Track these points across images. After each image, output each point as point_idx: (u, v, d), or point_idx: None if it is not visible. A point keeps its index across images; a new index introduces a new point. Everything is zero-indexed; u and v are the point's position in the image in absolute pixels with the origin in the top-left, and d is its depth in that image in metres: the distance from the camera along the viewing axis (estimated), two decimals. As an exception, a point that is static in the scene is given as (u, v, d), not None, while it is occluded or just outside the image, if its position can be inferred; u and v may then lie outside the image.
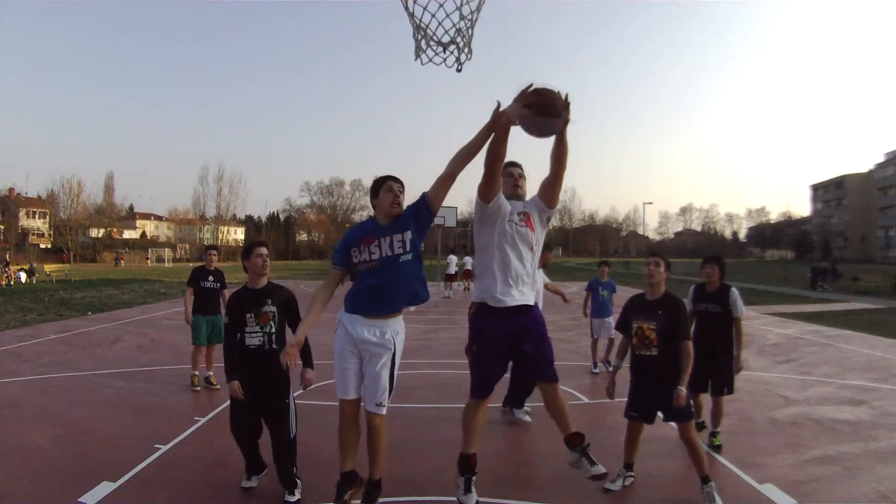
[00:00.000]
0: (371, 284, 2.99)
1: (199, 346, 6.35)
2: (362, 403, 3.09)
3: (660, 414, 3.58)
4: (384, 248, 2.98)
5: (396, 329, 3.06)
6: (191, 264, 8.89)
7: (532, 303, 3.31)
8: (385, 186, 3.06)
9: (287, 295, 3.63)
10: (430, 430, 4.71)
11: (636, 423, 3.64)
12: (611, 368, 3.68)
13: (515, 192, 3.44)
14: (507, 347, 3.23)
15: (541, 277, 5.30)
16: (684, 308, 3.59)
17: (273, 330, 3.50)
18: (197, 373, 6.35)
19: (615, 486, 3.57)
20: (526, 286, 3.26)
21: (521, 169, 3.54)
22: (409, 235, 3.00)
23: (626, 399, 3.70)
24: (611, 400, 3.74)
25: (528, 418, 5.05)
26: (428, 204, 3.05)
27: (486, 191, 3.19)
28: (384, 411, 3.04)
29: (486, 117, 3.03)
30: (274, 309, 3.51)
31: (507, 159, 3.33)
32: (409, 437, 4.47)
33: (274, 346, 3.49)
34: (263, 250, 3.61)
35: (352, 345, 3.04)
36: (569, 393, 5.85)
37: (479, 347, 3.28)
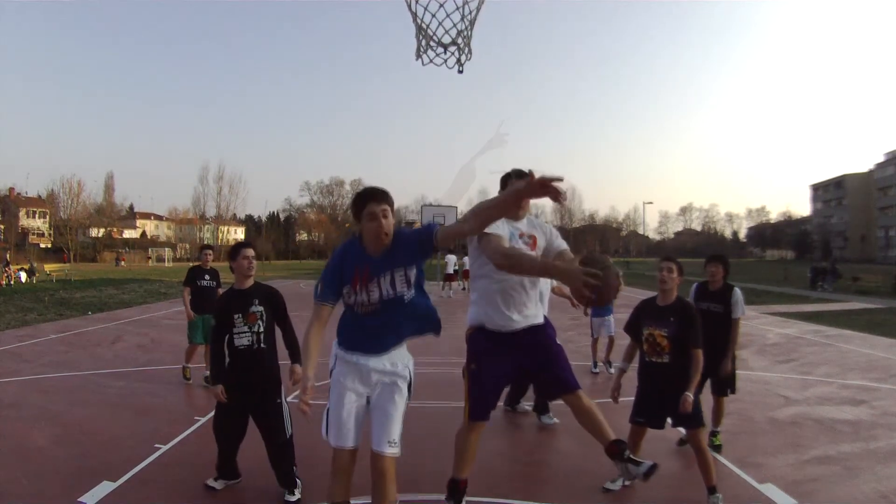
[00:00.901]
0: (371, 325, 2.53)
1: (195, 344, 6.43)
2: (373, 446, 2.56)
3: (668, 419, 3.53)
4: (384, 288, 2.48)
5: (406, 358, 2.66)
6: (191, 264, 8.97)
7: (540, 320, 3.03)
8: (366, 213, 2.44)
9: (273, 294, 3.67)
10: (430, 430, 4.70)
11: (640, 427, 3.60)
12: (612, 369, 3.65)
13: (518, 213, 3.04)
14: (511, 366, 3.00)
15: (547, 281, 5.25)
16: (696, 315, 3.51)
17: (261, 329, 3.53)
18: (189, 366, 6.51)
19: (615, 486, 3.57)
20: (529, 309, 2.99)
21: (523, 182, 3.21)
22: (412, 271, 2.52)
23: (626, 399, 3.69)
24: (615, 403, 3.69)
25: (555, 420, 4.96)
26: (435, 242, 2.48)
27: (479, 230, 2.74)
28: (398, 451, 2.54)
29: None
30: (261, 309, 3.55)
31: (514, 168, 3.11)
32: (409, 438, 4.46)
33: (262, 345, 3.53)
34: (250, 252, 3.64)
35: (355, 377, 2.57)
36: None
37: (478, 366, 3.00)
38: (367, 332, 2.54)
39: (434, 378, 6.51)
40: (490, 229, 2.77)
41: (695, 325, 3.44)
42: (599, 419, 2.89)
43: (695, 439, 3.38)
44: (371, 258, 2.49)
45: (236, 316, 3.50)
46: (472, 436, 3.05)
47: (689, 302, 3.62)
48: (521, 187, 2.26)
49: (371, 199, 2.45)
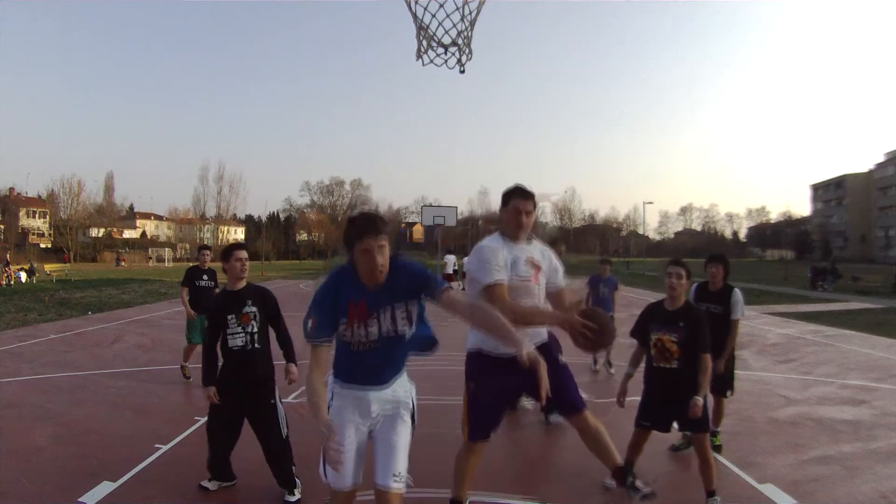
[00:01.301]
0: (369, 361, 2.31)
1: (194, 344, 6.47)
2: (378, 482, 2.31)
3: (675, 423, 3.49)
4: (384, 324, 2.25)
5: (407, 385, 2.46)
6: (191, 264, 8.95)
7: (543, 338, 2.91)
8: (361, 247, 2.15)
9: (265, 295, 3.68)
10: (429, 425, 4.71)
11: (645, 430, 3.56)
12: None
13: (518, 233, 2.83)
14: (512, 387, 2.88)
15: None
16: (705, 319, 3.48)
17: (255, 330, 3.54)
18: (188, 365, 6.59)
19: (616, 486, 3.56)
20: (531, 330, 2.82)
21: (533, 202, 2.84)
22: (414, 307, 2.30)
23: (631, 399, 3.64)
24: (621, 408, 3.62)
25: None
26: (436, 304, 2.28)
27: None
28: (404, 486, 2.30)
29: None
30: (255, 309, 3.56)
31: (517, 185, 2.90)
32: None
33: (257, 345, 3.54)
34: (243, 254, 3.64)
35: (355, 410, 2.34)
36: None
37: (477, 386, 2.85)
38: (364, 367, 2.33)
39: (435, 375, 6.50)
40: (489, 251, 2.71)
41: (704, 330, 3.40)
42: (605, 441, 2.81)
43: (700, 443, 3.35)
44: (368, 291, 2.23)
45: (230, 317, 3.51)
46: (471, 458, 2.94)
47: (698, 307, 3.57)
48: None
49: (366, 231, 2.14)
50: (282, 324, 3.70)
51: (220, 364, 3.57)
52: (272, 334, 3.69)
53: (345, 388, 2.36)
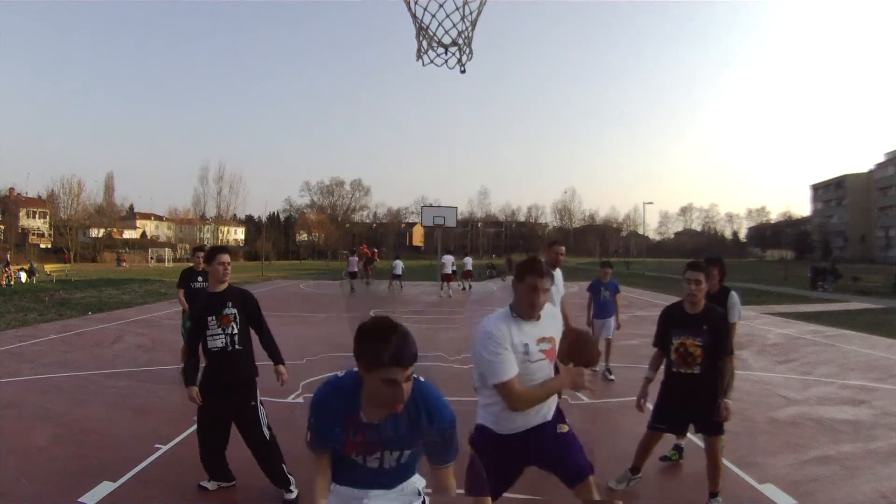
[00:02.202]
0: (370, 475, 1.97)
1: None
2: None
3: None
4: (387, 461, 1.91)
5: (416, 481, 2.08)
6: (192, 264, 8.92)
7: (552, 410, 2.72)
8: (384, 378, 1.67)
9: (246, 297, 3.67)
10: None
11: (658, 433, 3.54)
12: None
13: (532, 313, 2.58)
14: (517, 464, 2.74)
15: (559, 286, 4.85)
16: (727, 321, 3.42)
17: (235, 331, 3.53)
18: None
19: (620, 487, 3.56)
20: (544, 407, 2.65)
21: (545, 279, 2.56)
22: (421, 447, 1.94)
23: (643, 402, 3.60)
24: (640, 412, 3.60)
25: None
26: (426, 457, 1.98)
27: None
28: None
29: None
30: (235, 311, 3.56)
31: (527, 256, 2.72)
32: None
33: (237, 346, 3.53)
34: (226, 258, 3.63)
35: None
36: (569, 393, 5.84)
37: (483, 462, 2.62)
38: (365, 477, 1.98)
39: (437, 377, 6.51)
40: (496, 343, 2.49)
41: (727, 332, 3.35)
42: None
43: (712, 446, 3.34)
44: (371, 424, 1.83)
45: (210, 318, 3.50)
46: None
47: (719, 309, 3.51)
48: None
49: (392, 359, 1.64)
50: (264, 326, 3.69)
51: (202, 365, 3.56)
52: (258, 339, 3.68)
53: (342, 489, 2.02)
